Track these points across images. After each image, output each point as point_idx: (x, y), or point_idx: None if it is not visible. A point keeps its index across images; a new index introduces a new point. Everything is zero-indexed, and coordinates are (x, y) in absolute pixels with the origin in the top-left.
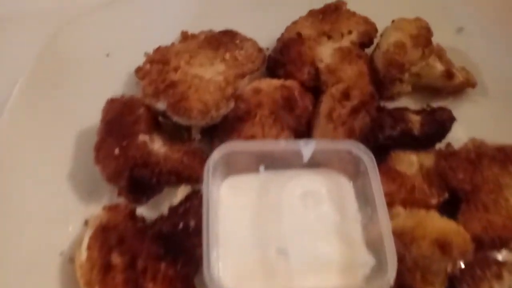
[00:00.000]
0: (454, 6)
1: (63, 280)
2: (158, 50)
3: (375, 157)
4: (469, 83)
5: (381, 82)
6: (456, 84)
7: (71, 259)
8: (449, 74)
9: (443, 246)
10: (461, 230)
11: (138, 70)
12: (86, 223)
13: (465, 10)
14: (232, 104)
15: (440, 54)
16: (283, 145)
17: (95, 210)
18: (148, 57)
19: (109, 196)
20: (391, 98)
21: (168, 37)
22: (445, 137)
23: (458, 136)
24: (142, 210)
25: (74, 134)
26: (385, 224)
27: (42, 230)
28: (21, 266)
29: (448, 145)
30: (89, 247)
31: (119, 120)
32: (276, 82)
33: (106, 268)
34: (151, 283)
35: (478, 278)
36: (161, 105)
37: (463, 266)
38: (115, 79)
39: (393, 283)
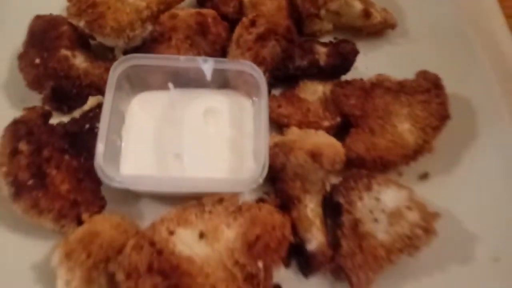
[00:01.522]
0: None
1: None
2: None
3: (287, 86)
4: (387, 24)
5: (301, 18)
6: (374, 24)
7: None
8: (366, 13)
9: (314, 155)
10: (336, 144)
11: None
12: None
13: None
14: (149, 27)
15: None
16: (183, 60)
17: None
18: None
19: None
20: (313, 35)
21: None
22: (349, 69)
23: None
24: None
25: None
26: (262, 135)
27: None
28: None
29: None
30: (2, 136)
31: (43, 34)
32: (194, 10)
33: (14, 153)
34: (54, 170)
35: (350, 188)
36: (82, 24)
37: (338, 179)
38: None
39: (261, 180)
